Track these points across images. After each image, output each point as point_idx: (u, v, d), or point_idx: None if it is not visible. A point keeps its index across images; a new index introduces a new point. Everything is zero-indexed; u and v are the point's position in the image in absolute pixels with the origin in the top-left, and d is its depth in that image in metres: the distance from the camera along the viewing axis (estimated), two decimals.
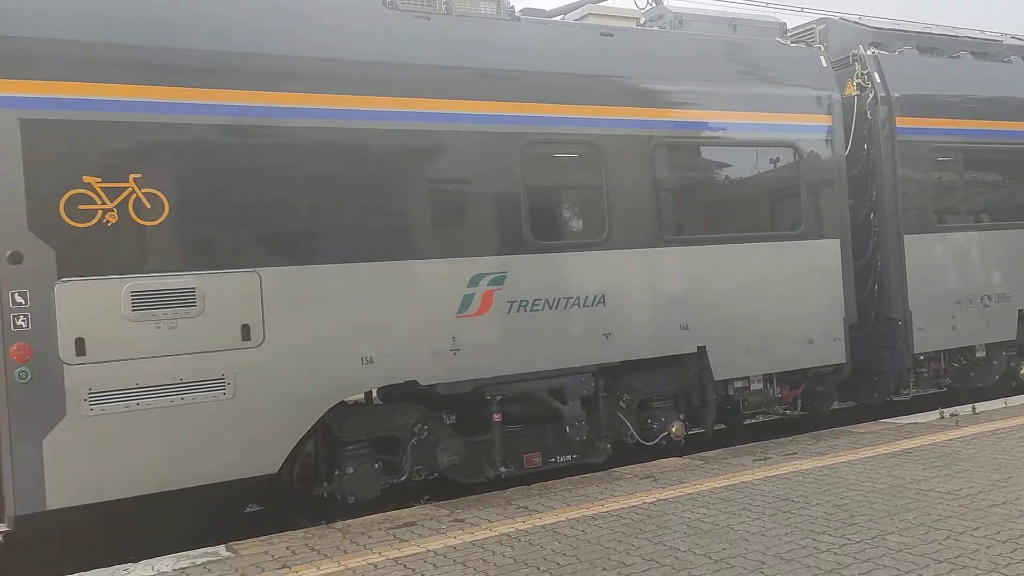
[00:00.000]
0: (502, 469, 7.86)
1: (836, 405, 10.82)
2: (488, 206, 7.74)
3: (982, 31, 12.33)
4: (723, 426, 10.16)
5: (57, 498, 6.04)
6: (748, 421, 10.36)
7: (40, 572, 6.25)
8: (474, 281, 7.54)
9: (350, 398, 7.48)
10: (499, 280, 7.64)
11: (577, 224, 8.32)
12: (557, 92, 7.99)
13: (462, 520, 6.51)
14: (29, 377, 5.98)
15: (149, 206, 6.36)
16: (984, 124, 10.91)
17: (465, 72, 7.63)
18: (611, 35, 8.59)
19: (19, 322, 5.99)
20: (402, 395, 7.67)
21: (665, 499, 6.73)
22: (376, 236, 7.15)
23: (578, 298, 8.02)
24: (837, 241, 9.54)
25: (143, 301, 6.31)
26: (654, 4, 9.82)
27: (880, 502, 6.15)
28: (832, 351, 9.44)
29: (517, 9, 8.37)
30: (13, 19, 6.06)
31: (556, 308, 7.91)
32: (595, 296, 8.09)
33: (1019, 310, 10.80)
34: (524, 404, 7.98)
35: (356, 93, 7.15)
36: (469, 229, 7.63)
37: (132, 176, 6.31)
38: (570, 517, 6.38)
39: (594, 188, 8.20)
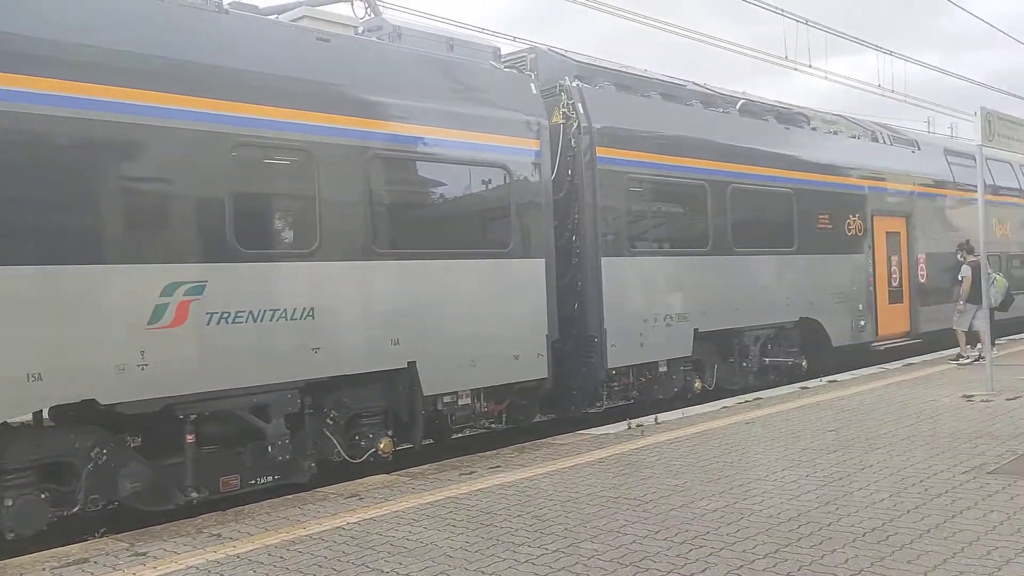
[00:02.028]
0: (194, 494, 7.24)
1: (539, 418, 11.28)
2: (188, 209, 7.15)
3: (669, 76, 13.61)
4: (431, 441, 10.21)
5: None
6: (456, 436, 10.49)
7: None
8: (168, 290, 6.91)
9: (13, 420, 6.53)
10: (198, 290, 7.07)
11: (287, 233, 7.95)
12: (268, 94, 7.58)
13: (144, 554, 5.88)
14: None
15: None
16: (672, 159, 12.01)
17: (159, 61, 6.99)
18: (328, 40, 8.34)
19: None
20: (79, 415, 6.83)
21: (370, 518, 6.55)
22: (46, 237, 6.29)
23: (285, 311, 7.64)
24: (543, 261, 9.98)
25: None
26: (373, 15, 9.70)
27: (575, 511, 6.42)
28: (536, 366, 9.83)
29: (226, 2, 7.85)
30: None
31: (261, 321, 7.47)
32: (304, 309, 7.75)
33: (695, 329, 11.97)
34: (223, 423, 7.44)
35: (22, 73, 6.27)
36: (164, 233, 7.00)
37: None
38: (268, 543, 5.99)
39: (305, 197, 7.89)
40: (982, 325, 14.16)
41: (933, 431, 8.77)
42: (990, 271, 14.69)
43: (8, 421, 6.46)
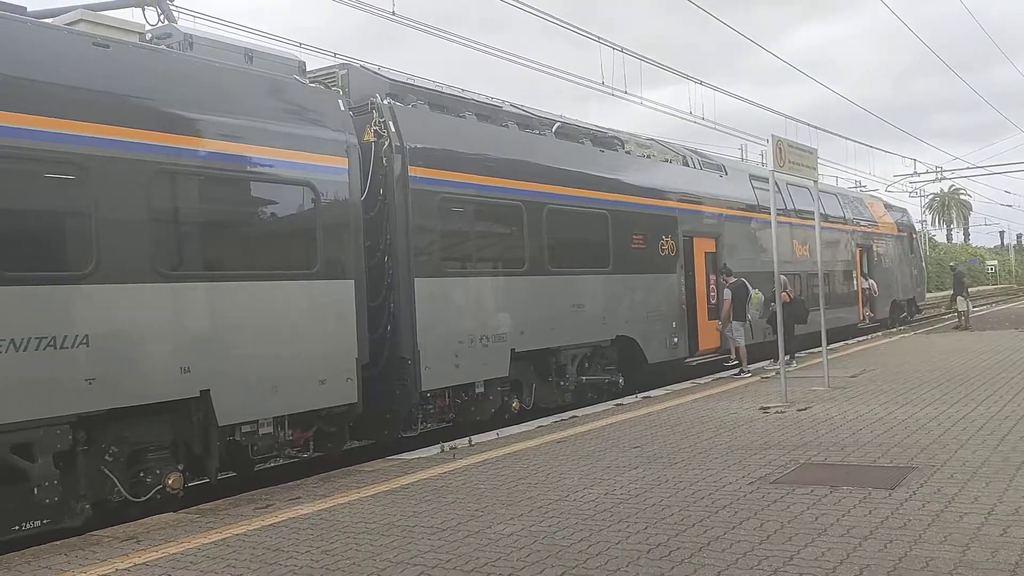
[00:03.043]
0: None
1: (351, 444, 10.93)
2: None
3: (487, 96, 13.69)
4: (232, 474, 9.66)
5: None
6: (259, 467, 9.97)
7: None
8: None
9: None
10: None
11: (56, 253, 7.26)
12: (31, 102, 6.92)
13: None
14: None
15: None
16: (488, 180, 12.02)
17: None
18: (107, 47, 7.75)
19: None
20: None
21: (143, 563, 6.02)
22: None
23: (54, 338, 6.97)
24: (352, 282, 9.68)
25: None
26: (165, 22, 9.15)
27: (367, 543, 6.16)
28: (344, 391, 9.49)
29: None
30: None
31: (25, 349, 6.78)
32: (76, 336, 7.10)
33: (512, 349, 11.99)
34: None
35: None
36: None
37: None
38: None
39: (79, 214, 7.26)
40: (740, 340, 15.49)
41: (729, 443, 9.12)
42: (749, 288, 16.03)
43: None
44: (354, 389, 9.58)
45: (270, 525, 6.90)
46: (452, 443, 10.10)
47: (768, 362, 16.83)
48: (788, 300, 15.75)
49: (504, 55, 18.34)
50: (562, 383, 13.31)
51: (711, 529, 5.94)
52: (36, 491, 6.92)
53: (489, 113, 13.02)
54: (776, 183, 12.76)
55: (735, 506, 6.49)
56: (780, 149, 11.83)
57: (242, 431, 8.58)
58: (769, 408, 11.35)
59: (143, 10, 9.12)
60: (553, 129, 14.12)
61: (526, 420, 11.95)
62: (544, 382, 13.04)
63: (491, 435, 10.71)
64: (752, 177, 19.94)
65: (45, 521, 7.14)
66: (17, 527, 6.97)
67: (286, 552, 6.10)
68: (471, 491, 7.65)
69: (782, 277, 14.23)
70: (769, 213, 12.89)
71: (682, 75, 23.16)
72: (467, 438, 10.33)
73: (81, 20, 7.97)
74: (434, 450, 9.88)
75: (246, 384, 8.43)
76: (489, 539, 6.09)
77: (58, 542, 6.73)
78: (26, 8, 7.65)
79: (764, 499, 6.63)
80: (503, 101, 13.87)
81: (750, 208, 19.02)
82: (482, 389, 11.67)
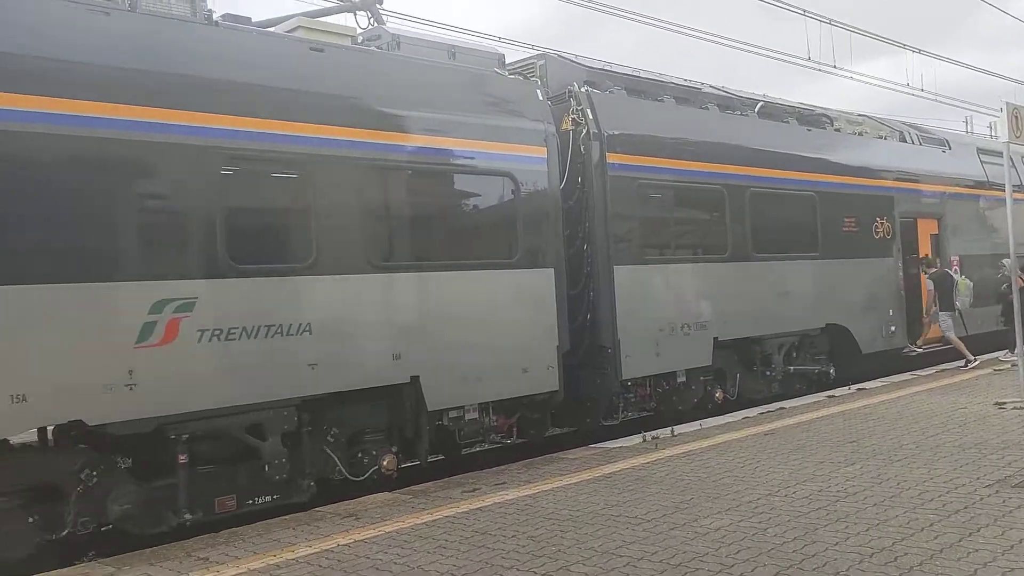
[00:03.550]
0: (187, 516, 7.09)
1: (553, 431, 11.02)
2: (176, 225, 7.05)
3: (685, 79, 13.31)
4: (441, 457, 10.01)
5: None
6: (465, 451, 10.27)
7: None
8: (157, 307, 6.79)
9: (13, 440, 6.44)
10: (188, 306, 6.94)
11: (281, 247, 7.79)
12: (259, 106, 7.45)
13: None
14: None
15: None
16: (687, 164, 11.70)
17: (148, 76, 6.90)
18: (322, 50, 8.21)
19: None
20: (72, 437, 6.73)
21: (362, 540, 6.34)
22: (30, 255, 6.21)
23: (281, 326, 7.48)
24: (551, 271, 9.74)
25: None
26: (374, 24, 9.58)
27: (572, 531, 6.16)
28: (546, 379, 9.57)
29: (219, 15, 7.76)
30: None
31: (255, 337, 7.33)
32: (300, 324, 7.59)
33: (714, 337, 11.62)
34: (217, 443, 7.29)
35: (25, 92, 6.21)
36: (152, 250, 6.88)
37: None
38: (253, 568, 5.81)
39: (300, 210, 7.74)
40: (949, 332, 14.23)
41: (959, 440, 8.35)
42: (955, 275, 14.71)
43: (10, 440, 6.37)
44: (555, 377, 9.64)
45: (477, 508, 7.07)
46: (654, 433, 9.93)
47: (1003, 353, 15.32)
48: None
49: (703, 35, 17.69)
50: (768, 373, 12.75)
51: (943, 535, 5.44)
52: (267, 468, 7.47)
53: (688, 96, 12.66)
54: (1011, 156, 11.52)
55: (971, 511, 5.92)
56: (1015, 117, 10.67)
57: (450, 416, 8.86)
58: (1005, 404, 10.30)
59: (355, 15, 9.58)
60: (756, 109, 13.51)
61: (730, 411, 11.56)
62: (749, 372, 12.55)
63: (694, 425, 10.45)
64: (980, 151, 18.19)
65: (275, 496, 7.70)
66: (251, 501, 7.56)
67: (493, 536, 6.21)
68: (675, 482, 7.48)
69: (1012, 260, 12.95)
70: (1001, 190, 11.68)
71: (897, 45, 21.51)
72: (669, 428, 10.13)
73: (299, 27, 8.49)
74: (636, 439, 9.77)
75: (453, 371, 8.69)
76: (696, 532, 5.92)
77: (286, 516, 7.24)
78: (251, 19, 8.23)
79: (1005, 504, 6.00)
80: (702, 83, 13.44)
81: (978, 185, 17.36)
82: (684, 378, 11.40)
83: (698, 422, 10.68)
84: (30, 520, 6.39)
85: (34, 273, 6.23)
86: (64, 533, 6.56)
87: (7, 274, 6.11)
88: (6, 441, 6.33)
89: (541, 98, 10.08)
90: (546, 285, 9.67)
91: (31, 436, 6.73)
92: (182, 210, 7.05)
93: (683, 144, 11.71)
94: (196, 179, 7.05)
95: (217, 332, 7.08)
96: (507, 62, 10.39)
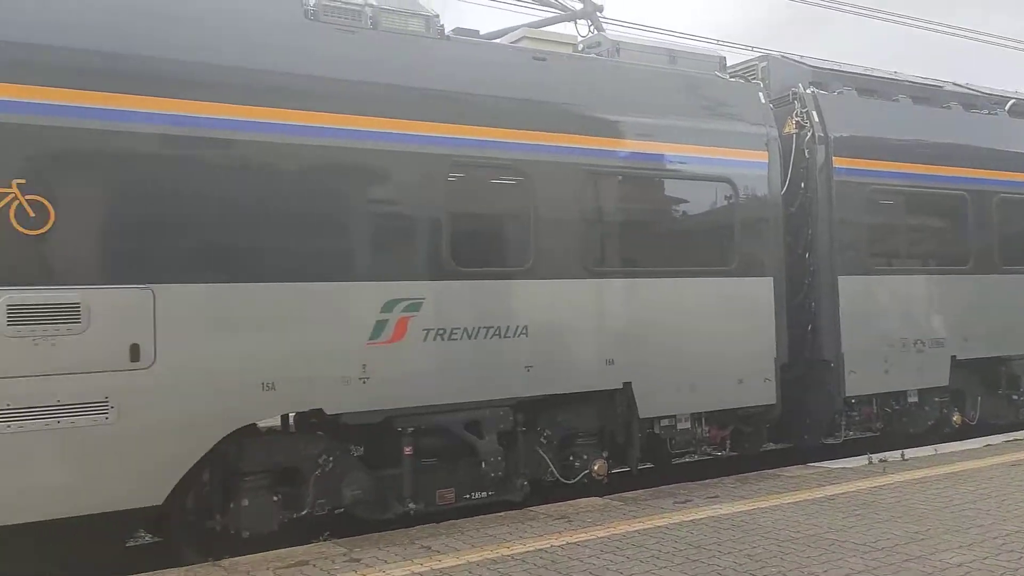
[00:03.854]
0: (411, 505, 7.47)
1: (767, 447, 10.61)
2: (408, 229, 7.45)
3: (924, 77, 12.37)
4: (651, 465, 9.91)
5: None
6: (676, 461, 10.10)
7: None
8: (388, 307, 7.20)
9: (260, 424, 7.09)
10: (415, 307, 7.32)
11: (501, 251, 8.03)
12: (484, 114, 7.73)
13: (357, 560, 6.12)
14: None
15: (32, 214, 5.94)
16: (924, 168, 10.88)
17: (388, 89, 7.34)
18: (544, 59, 8.38)
19: None
20: (309, 424, 7.29)
21: (575, 542, 6.40)
22: (281, 255, 6.78)
23: (499, 328, 7.71)
24: (771, 279, 9.38)
25: (21, 316, 5.87)
26: (595, 32, 9.66)
27: (793, 553, 5.89)
28: (762, 391, 9.23)
29: (449, 29, 8.13)
30: None
31: (476, 338, 7.60)
32: (517, 327, 7.79)
33: (952, 356, 10.71)
34: (438, 437, 7.63)
35: (272, 106, 6.82)
36: (385, 252, 7.31)
37: (15, 182, 5.90)
38: (471, 560, 6.02)
39: (520, 215, 7.95)
40: None
41: None
42: None
43: (258, 425, 7.01)
44: (772, 390, 9.27)
45: (690, 521, 6.94)
46: (881, 455, 9.32)
47: None
48: None
49: (946, 29, 16.29)
50: (1016, 397, 11.57)
51: None
52: (484, 465, 7.71)
53: (927, 94, 11.75)
54: None
55: None
56: None
57: (661, 424, 8.76)
58: None
59: (575, 23, 9.72)
60: (1006, 107, 12.33)
61: (969, 437, 10.61)
62: (992, 395, 11.45)
63: (927, 450, 9.69)
64: None
65: (490, 493, 7.94)
66: (468, 496, 7.84)
67: (708, 550, 6.07)
68: (907, 510, 6.96)
69: None
70: None
71: None
72: (899, 452, 9.46)
73: (524, 37, 8.72)
74: (860, 461, 9.20)
75: (666, 379, 8.58)
76: (934, 567, 5.48)
77: (502, 513, 7.45)
78: (479, 31, 8.56)
79: None
80: (944, 81, 12.43)
81: None
82: (916, 399, 10.58)
83: (932, 447, 9.89)
84: (275, 498, 6.97)
85: (283, 272, 6.79)
86: (303, 512, 7.11)
87: (260, 273, 6.70)
88: (254, 425, 6.95)
89: (763, 101, 9.74)
90: (764, 294, 9.32)
91: (274, 422, 7.37)
92: (413, 215, 7.44)
93: (919, 146, 10.90)
94: (426, 186, 7.41)
95: (441, 332, 7.41)
96: (728, 64, 10.13)
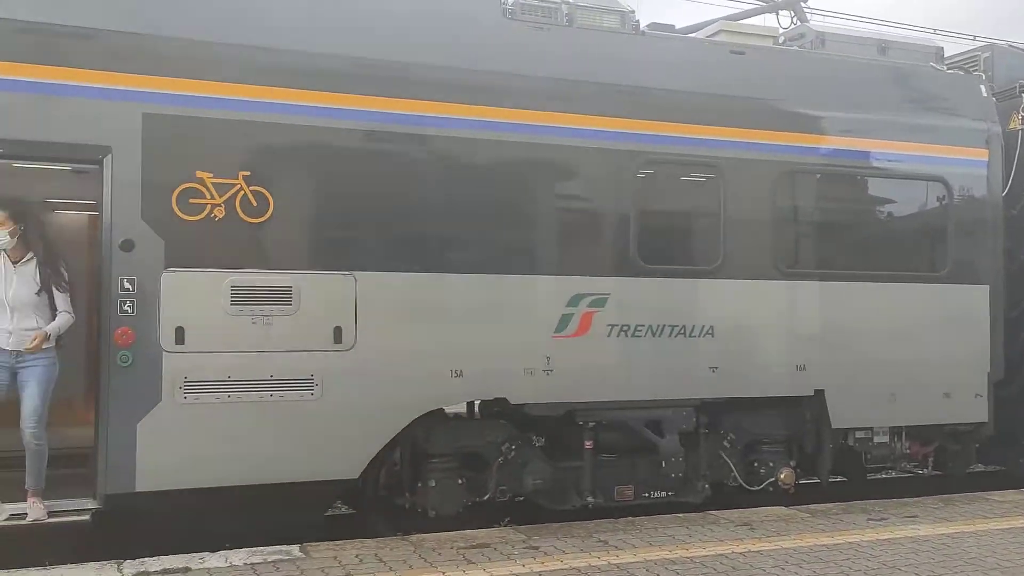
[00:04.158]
0: (590, 499, 7.52)
1: (975, 468, 9.81)
2: (595, 224, 7.50)
3: None
4: (843, 479, 9.42)
5: (146, 481, 6.21)
6: (872, 476, 9.55)
7: (121, 552, 6.44)
8: (574, 301, 7.28)
9: (448, 409, 7.38)
10: (600, 302, 7.35)
11: (689, 249, 7.90)
12: (677, 111, 7.64)
13: (536, 548, 6.26)
14: (130, 361, 6.18)
15: (255, 203, 6.49)
16: None
17: (584, 86, 7.41)
18: (742, 53, 8.15)
19: (125, 307, 6.22)
20: (494, 412, 7.50)
21: (757, 551, 6.22)
22: (474, 248, 7.02)
23: (684, 327, 7.60)
24: (986, 288, 8.67)
25: (242, 296, 6.43)
26: (797, 23, 9.29)
27: None
28: (971, 408, 8.56)
29: (644, 24, 8.09)
30: (141, 18, 6.34)
31: (660, 336, 7.53)
32: (703, 326, 7.65)
33: None
34: (619, 433, 7.64)
35: (472, 103, 7.06)
36: (573, 247, 7.39)
37: (241, 173, 6.46)
38: (648, 559, 6.00)
39: (710, 213, 7.78)
40: None
41: None
42: None
43: (445, 410, 7.31)
44: (984, 406, 8.57)
45: (884, 540, 6.56)
46: None
47: None
48: None
49: None
50: None
51: None
52: (664, 464, 7.64)
53: None
54: None
55: None
56: None
57: (856, 436, 8.32)
58: None
59: (776, 15, 9.39)
60: None
61: None
62: None
63: None
64: None
65: (669, 493, 7.85)
66: (647, 494, 7.79)
67: (903, 572, 5.73)
68: None
69: None
70: None
71: None
72: None
73: (721, 31, 8.53)
74: None
75: (862, 388, 8.14)
76: None
77: (680, 515, 7.36)
78: (674, 26, 8.45)
79: None
80: None
81: None
82: None
83: None
84: (460, 482, 7.23)
85: (476, 264, 7.02)
86: (486, 497, 7.33)
87: (452, 264, 6.96)
88: (442, 410, 7.24)
89: (984, 94, 8.99)
90: (978, 303, 8.63)
91: (460, 408, 7.63)
92: (601, 211, 7.47)
93: None
94: (616, 182, 7.41)
95: (625, 328, 7.40)
96: (948, 55, 9.43)
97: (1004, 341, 8.78)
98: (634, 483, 7.73)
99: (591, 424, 7.45)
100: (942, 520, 7.19)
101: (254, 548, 6.18)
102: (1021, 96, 9.46)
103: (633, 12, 7.81)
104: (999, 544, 6.40)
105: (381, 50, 6.91)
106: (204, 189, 6.35)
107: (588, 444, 7.47)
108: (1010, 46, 10.46)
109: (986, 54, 10.02)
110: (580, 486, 7.54)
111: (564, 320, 7.23)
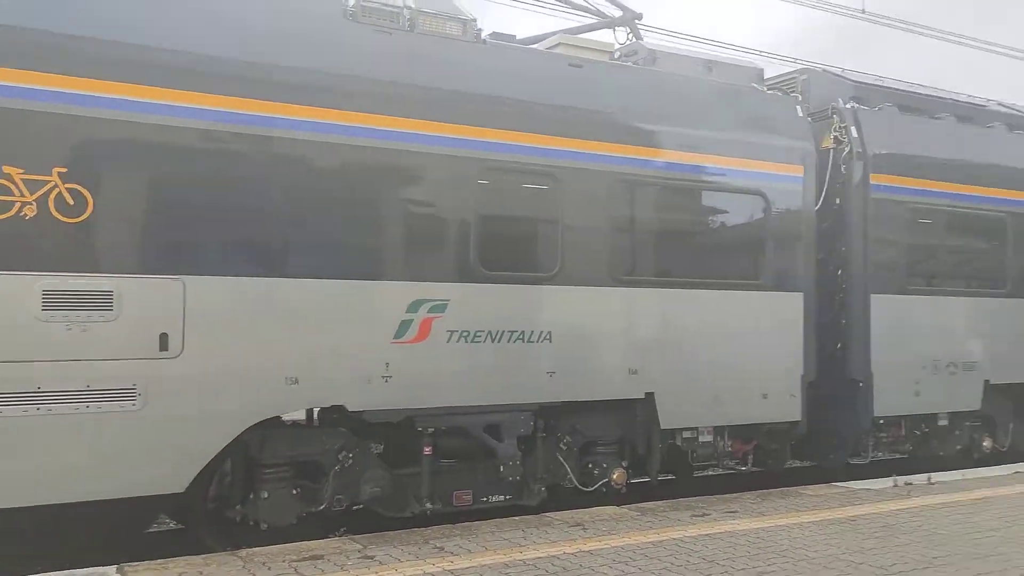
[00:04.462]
0: (429, 505, 7.52)
1: (792, 464, 10.50)
2: (435, 230, 7.50)
3: (969, 95, 12.19)
4: (671, 476, 9.86)
5: None
6: (698, 474, 10.04)
7: None
8: (414, 307, 7.26)
9: (287, 417, 7.18)
10: (441, 308, 7.37)
11: (528, 256, 8.03)
12: (517, 120, 7.76)
13: (371, 557, 6.18)
14: None
15: (72, 202, 6.09)
16: (964, 188, 10.72)
17: (422, 91, 7.41)
18: (580, 66, 8.39)
19: None
20: (332, 419, 7.37)
21: (588, 551, 6.40)
22: (310, 252, 6.87)
23: (523, 332, 7.73)
24: (800, 295, 9.30)
25: (55, 301, 6.01)
26: (633, 39, 9.65)
27: (807, 573, 5.83)
28: (787, 407, 9.15)
29: (486, 33, 8.18)
30: None
31: (499, 341, 7.63)
32: (541, 332, 7.81)
33: (985, 380, 10.52)
34: (458, 439, 7.67)
35: (307, 104, 6.91)
36: (413, 252, 7.37)
37: (56, 170, 6.05)
38: (483, 563, 6.05)
39: (549, 221, 7.96)
40: None
41: None
42: None
43: (282, 418, 7.08)
44: (798, 406, 9.19)
45: (706, 535, 6.90)
46: (907, 478, 9.20)
47: None
48: None
49: (998, 49, 15.96)
50: None
51: None
52: (502, 468, 7.74)
53: (971, 114, 11.57)
54: None
55: None
56: None
57: (683, 436, 8.72)
58: None
59: (614, 31, 9.72)
60: None
61: (999, 463, 10.42)
62: None
63: (955, 475, 9.54)
64: None
65: (507, 497, 7.96)
66: (486, 498, 7.87)
67: (721, 565, 6.03)
68: (929, 535, 6.86)
69: None
70: None
71: None
72: (926, 475, 9.31)
73: (560, 44, 8.74)
74: (886, 483, 9.09)
75: (689, 391, 8.54)
76: None
77: (516, 518, 7.46)
78: (515, 36, 8.59)
79: None
80: (989, 100, 12.23)
81: None
82: (946, 422, 10.42)
83: (960, 472, 9.73)
84: (294, 492, 7.05)
85: (311, 269, 6.87)
86: (321, 507, 7.18)
87: (288, 269, 6.78)
88: (278, 418, 7.04)
89: (800, 114, 9.66)
90: (793, 309, 9.24)
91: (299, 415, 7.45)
92: (442, 217, 7.48)
93: (960, 166, 10.72)
94: (456, 188, 7.45)
95: (465, 333, 7.45)
96: (768, 77, 10.06)
97: (817, 345, 9.44)
98: (473, 488, 7.80)
99: (430, 430, 7.45)
100: (759, 514, 7.64)
101: (67, 571, 5.79)
102: (833, 117, 10.22)
103: (475, 20, 7.89)
104: (808, 536, 6.87)
105: (215, 46, 6.66)
106: (12, 185, 5.91)
107: (427, 450, 7.46)
108: (824, 70, 11.29)
109: (803, 77, 10.75)
110: (419, 493, 7.52)
111: (403, 326, 7.20)
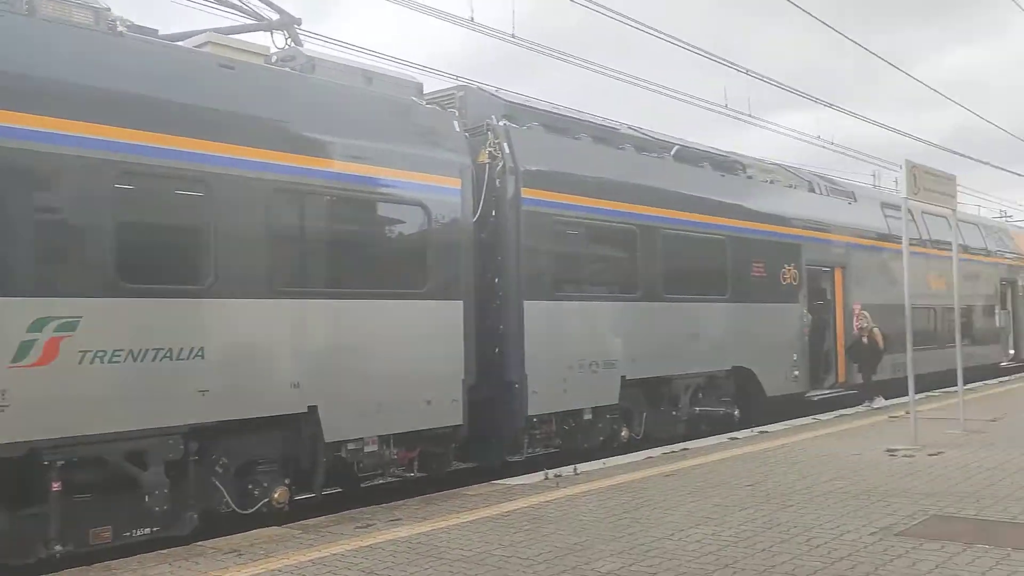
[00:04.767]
0: (58, 548, 6.68)
1: (456, 466, 10.86)
2: (64, 240, 6.74)
3: (605, 119, 13.50)
4: (339, 490, 9.74)
5: None
6: (365, 484, 10.02)
7: None
8: (37, 326, 6.43)
9: None
10: (71, 326, 6.61)
11: (177, 268, 7.49)
12: (158, 120, 7.20)
13: None
14: None
15: None
16: (602, 203, 11.81)
17: (48, 84, 6.60)
18: (232, 68, 8.00)
19: None
20: None
21: None
22: None
23: (171, 350, 7.18)
24: (460, 303, 9.65)
25: None
26: (291, 44, 9.41)
27: (461, 572, 6.01)
28: (450, 412, 9.44)
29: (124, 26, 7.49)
30: None
31: (142, 360, 7.01)
32: (191, 348, 7.30)
33: (622, 376, 11.67)
34: (94, 470, 6.92)
35: None
36: (35, 265, 6.53)
37: None
38: None
39: (200, 230, 7.48)
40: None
41: (850, 487, 8.52)
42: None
43: None
44: (459, 411, 9.52)
45: (368, 546, 6.86)
46: (557, 471, 9.87)
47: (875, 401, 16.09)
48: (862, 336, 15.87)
49: (628, 79, 17.89)
50: (674, 413, 12.88)
51: None
52: (147, 499, 7.12)
53: (605, 135, 12.83)
54: (910, 211, 12.01)
55: (854, 558, 6.00)
56: (914, 176, 11.12)
57: (348, 448, 8.64)
58: (896, 451, 10.59)
59: (271, 34, 9.41)
60: (672, 152, 13.78)
61: (635, 450, 11.61)
62: (656, 411, 12.64)
63: (597, 464, 10.43)
64: (884, 205, 18.95)
65: (154, 529, 7.33)
66: (128, 533, 7.18)
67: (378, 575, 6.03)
68: (572, 522, 7.41)
69: (861, 310, 15.68)
70: (899, 243, 12.15)
71: (811, 99, 22.37)
72: (572, 466, 10.08)
73: (209, 42, 8.27)
74: (538, 477, 9.68)
75: (353, 402, 8.49)
76: None
77: (165, 551, 6.89)
78: (157, 31, 7.99)
79: (887, 553, 6.10)
80: (620, 123, 13.64)
81: (881, 237, 18.04)
82: (590, 416, 11.41)
83: (601, 461, 10.67)
84: None
85: None
86: None
87: None
88: None
89: (458, 129, 10.06)
90: (454, 317, 9.57)
91: None
92: (71, 225, 6.73)
93: (599, 183, 11.82)
94: (88, 193, 6.74)
95: (101, 353, 6.75)
96: (427, 92, 10.34)
97: (477, 350, 9.86)
98: (113, 523, 7.07)
99: (59, 463, 6.63)
100: (422, 519, 7.76)
101: None
102: (488, 133, 10.76)
103: (109, 10, 7.20)
104: (465, 536, 7.10)
105: None
106: None
107: (56, 486, 6.63)
108: (479, 88, 11.87)
109: (461, 93, 11.24)
110: (46, 534, 6.66)
111: (24, 348, 6.36)
